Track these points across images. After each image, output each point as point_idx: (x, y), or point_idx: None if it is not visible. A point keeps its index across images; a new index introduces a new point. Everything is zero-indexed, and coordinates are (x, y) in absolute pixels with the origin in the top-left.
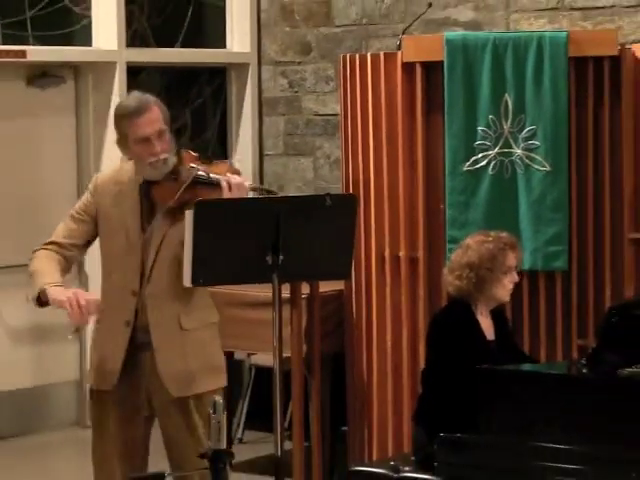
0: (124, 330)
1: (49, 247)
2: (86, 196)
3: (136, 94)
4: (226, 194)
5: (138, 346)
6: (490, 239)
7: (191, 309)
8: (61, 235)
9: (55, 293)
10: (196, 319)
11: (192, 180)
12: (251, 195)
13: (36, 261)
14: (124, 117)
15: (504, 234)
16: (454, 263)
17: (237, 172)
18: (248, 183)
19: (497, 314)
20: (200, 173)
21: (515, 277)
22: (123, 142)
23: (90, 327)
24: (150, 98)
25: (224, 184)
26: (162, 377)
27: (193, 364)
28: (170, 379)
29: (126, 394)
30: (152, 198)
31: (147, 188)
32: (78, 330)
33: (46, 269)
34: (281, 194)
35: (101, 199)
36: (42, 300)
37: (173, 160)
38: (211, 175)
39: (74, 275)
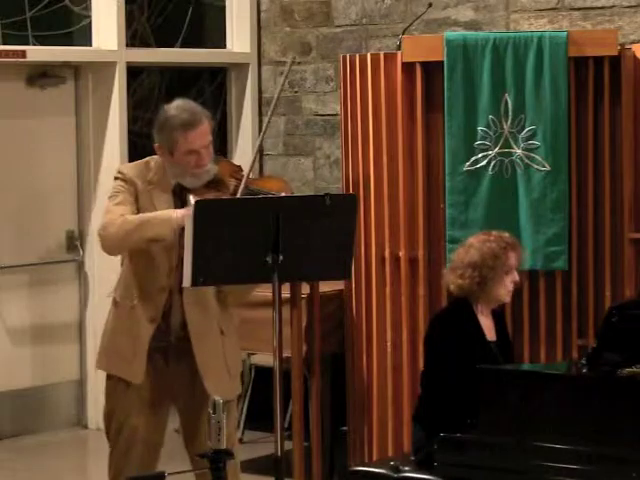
0: (148, 327)
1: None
2: (121, 184)
3: (187, 104)
4: None
5: (169, 346)
6: (492, 238)
7: (227, 311)
8: (122, 213)
9: (182, 211)
10: (230, 322)
11: (243, 193)
12: None
13: (133, 218)
14: (176, 128)
15: (506, 234)
16: (456, 262)
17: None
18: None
19: (498, 315)
20: (254, 189)
21: (516, 277)
22: (168, 150)
23: (90, 325)
24: (202, 110)
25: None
26: (204, 380)
27: (230, 368)
28: (211, 383)
29: (150, 389)
30: (187, 202)
31: (180, 191)
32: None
33: (148, 214)
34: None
35: (138, 189)
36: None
37: (214, 170)
38: (263, 190)
39: (74, 275)
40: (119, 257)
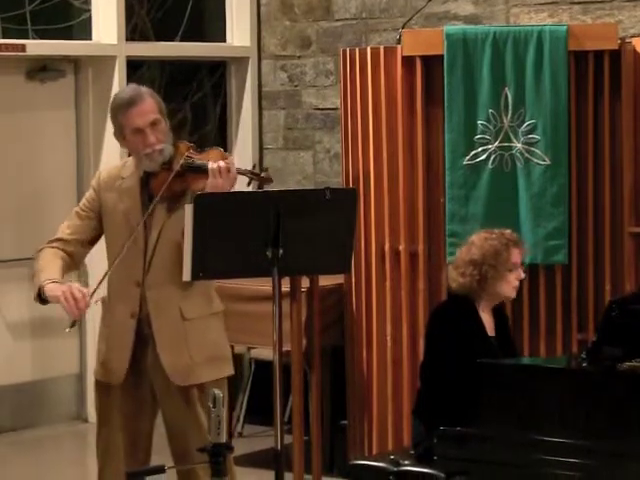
0: (130, 322)
1: (54, 244)
2: (90, 192)
3: (130, 86)
4: (213, 179)
5: (143, 338)
6: (494, 236)
7: (192, 298)
8: (66, 232)
9: (50, 289)
10: (198, 309)
11: (181, 167)
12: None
13: (39, 260)
14: (118, 109)
15: (507, 231)
16: (458, 260)
17: (228, 157)
18: (236, 167)
19: (498, 310)
20: (188, 160)
21: (521, 274)
22: (119, 134)
23: (91, 321)
24: (143, 89)
25: (210, 168)
26: (165, 367)
27: (195, 354)
28: (173, 369)
29: (132, 387)
30: (151, 189)
31: (147, 180)
32: (74, 324)
33: (47, 267)
34: (277, 185)
35: (105, 194)
36: (43, 297)
37: (170, 150)
38: (197, 161)
39: (74, 272)
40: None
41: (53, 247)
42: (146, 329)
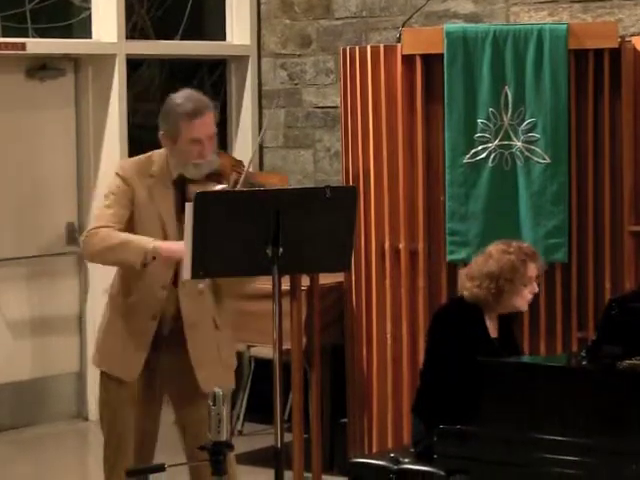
0: (150, 323)
1: (105, 229)
2: (119, 183)
3: (194, 94)
4: None
5: (158, 339)
6: (512, 250)
7: (222, 306)
8: (113, 220)
9: (167, 245)
10: (226, 318)
11: (242, 186)
12: None
13: (113, 237)
14: (181, 116)
15: (525, 244)
16: (474, 270)
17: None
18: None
19: (503, 316)
20: (249, 180)
21: (535, 288)
22: (171, 138)
23: (90, 318)
24: (208, 101)
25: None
26: (197, 374)
27: (224, 362)
28: (205, 377)
29: (143, 386)
30: (187, 194)
31: (182, 184)
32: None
33: (131, 236)
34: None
35: (136, 188)
36: (146, 261)
37: (216, 161)
38: (255, 183)
39: (74, 267)
40: None
41: (109, 227)
42: (165, 331)
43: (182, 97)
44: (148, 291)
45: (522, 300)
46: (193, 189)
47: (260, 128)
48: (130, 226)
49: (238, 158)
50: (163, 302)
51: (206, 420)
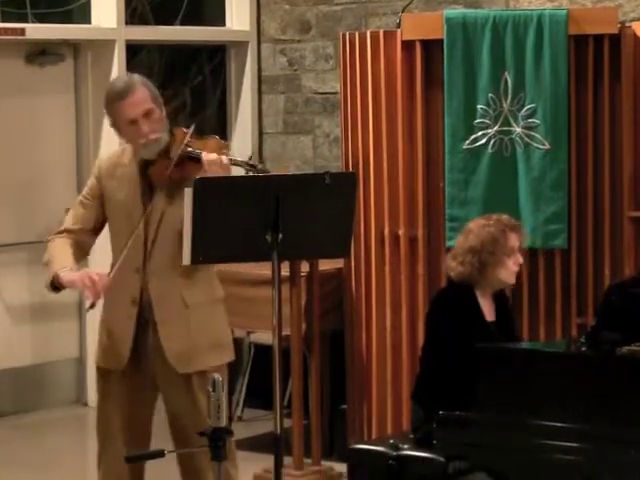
0: (131, 308)
1: (61, 235)
2: (91, 180)
3: (123, 76)
4: (207, 170)
5: (144, 324)
6: (491, 222)
7: (194, 285)
8: (71, 222)
9: (67, 275)
10: (200, 295)
11: (178, 157)
12: (237, 171)
13: (50, 249)
14: (112, 101)
15: (504, 216)
16: (456, 249)
17: (226, 147)
18: (228, 158)
19: (498, 296)
20: (185, 149)
21: (519, 259)
22: (115, 125)
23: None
24: (136, 78)
25: (204, 159)
26: (166, 353)
27: (197, 340)
28: (174, 355)
29: (132, 373)
30: (149, 177)
31: (145, 168)
32: (93, 305)
33: (58, 255)
34: (271, 170)
35: (106, 182)
36: (56, 286)
37: (166, 138)
38: (195, 150)
39: None
40: None
41: (60, 237)
42: (147, 315)
43: (113, 80)
44: (123, 276)
45: (507, 272)
46: (153, 170)
47: (260, 114)
48: (103, 220)
49: (236, 144)
50: (138, 286)
51: (184, 403)
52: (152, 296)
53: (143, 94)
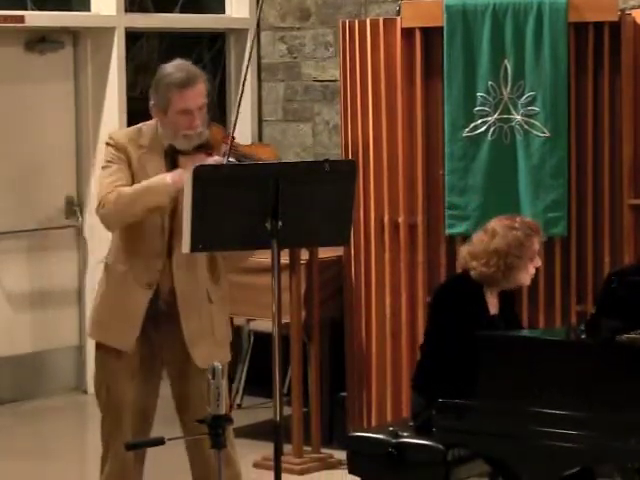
0: (146, 292)
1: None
2: (112, 151)
3: (184, 64)
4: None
5: (156, 312)
6: (516, 225)
7: (217, 280)
8: (117, 183)
9: (175, 173)
10: (220, 290)
11: (230, 159)
12: None
13: (124, 192)
14: (172, 86)
15: (528, 219)
16: (478, 248)
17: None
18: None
19: (503, 293)
20: (237, 153)
21: (538, 262)
22: (162, 109)
23: (89, 291)
24: (198, 71)
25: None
26: (190, 348)
27: (217, 336)
28: (197, 351)
29: (140, 359)
30: (177, 165)
31: (172, 155)
32: None
33: (143, 183)
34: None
35: (130, 154)
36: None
37: (206, 134)
38: (244, 157)
39: (73, 241)
40: None
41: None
42: (162, 305)
43: (172, 67)
44: (143, 260)
45: (527, 275)
46: (183, 160)
47: (260, 101)
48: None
49: (236, 131)
50: (158, 272)
51: (202, 394)
52: (177, 289)
53: (203, 87)
